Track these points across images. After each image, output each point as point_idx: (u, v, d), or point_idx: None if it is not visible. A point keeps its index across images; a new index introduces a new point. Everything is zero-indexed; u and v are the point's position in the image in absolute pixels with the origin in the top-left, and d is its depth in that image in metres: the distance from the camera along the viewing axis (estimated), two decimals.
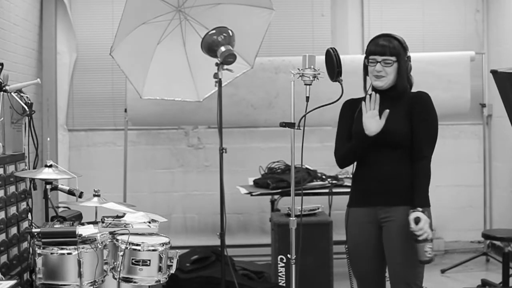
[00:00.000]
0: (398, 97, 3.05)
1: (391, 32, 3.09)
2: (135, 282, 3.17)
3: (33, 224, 3.72)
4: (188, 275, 4.61)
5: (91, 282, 3.03)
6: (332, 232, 4.49)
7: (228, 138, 5.08)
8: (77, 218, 3.92)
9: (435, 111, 3.06)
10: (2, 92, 3.50)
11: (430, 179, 2.99)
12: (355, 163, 3.16)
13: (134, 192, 5.98)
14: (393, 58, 2.99)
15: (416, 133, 3.00)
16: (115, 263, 3.15)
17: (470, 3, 6.37)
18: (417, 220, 2.86)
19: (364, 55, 3.12)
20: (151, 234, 3.34)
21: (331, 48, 3.05)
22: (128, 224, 3.36)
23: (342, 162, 3.15)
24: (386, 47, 3.00)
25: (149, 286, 3.28)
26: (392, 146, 3.00)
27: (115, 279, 3.17)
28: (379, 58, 3.01)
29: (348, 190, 5.10)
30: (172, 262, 3.24)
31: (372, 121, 2.95)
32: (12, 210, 3.52)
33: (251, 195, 5.11)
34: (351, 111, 3.11)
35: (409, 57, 3.06)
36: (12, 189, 3.53)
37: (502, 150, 6.19)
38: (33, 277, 3.07)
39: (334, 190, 5.16)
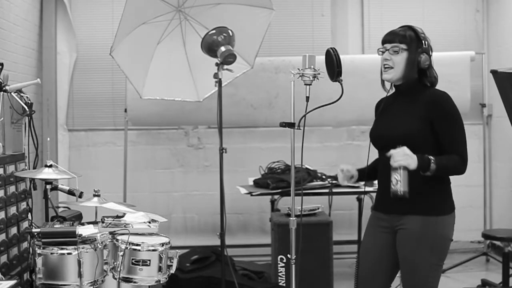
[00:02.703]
0: (412, 94, 2.93)
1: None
2: (135, 282, 3.17)
3: (33, 224, 3.72)
4: (188, 275, 4.60)
5: (91, 282, 3.03)
6: (332, 232, 4.49)
7: (228, 138, 5.08)
8: (77, 218, 3.92)
9: (457, 110, 2.89)
10: (2, 92, 3.50)
11: (455, 170, 2.82)
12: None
13: (134, 192, 5.98)
14: (403, 46, 2.89)
15: (442, 135, 2.85)
16: (115, 263, 3.15)
17: (470, 3, 6.37)
18: (397, 148, 2.74)
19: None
20: (151, 234, 3.34)
21: (331, 48, 3.04)
22: (128, 224, 3.36)
23: None
24: (396, 35, 2.92)
25: (149, 286, 3.28)
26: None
27: (115, 279, 3.17)
28: (388, 45, 2.93)
29: (348, 190, 5.18)
30: (172, 262, 3.24)
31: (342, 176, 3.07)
32: (12, 210, 3.52)
33: (251, 195, 5.11)
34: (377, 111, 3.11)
35: (425, 49, 2.91)
36: (12, 189, 3.53)
37: (502, 150, 6.19)
38: (33, 277, 3.07)
39: (334, 190, 5.16)
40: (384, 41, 2.97)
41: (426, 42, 2.92)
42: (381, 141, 2.98)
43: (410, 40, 2.90)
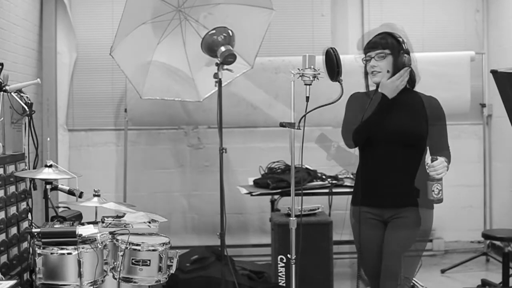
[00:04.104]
0: (399, 95, 3.06)
1: (388, 30, 3.16)
2: (135, 282, 3.17)
3: (33, 224, 3.72)
4: (188, 275, 4.60)
5: (91, 282, 3.03)
6: (332, 232, 4.49)
7: (228, 138, 5.07)
8: (77, 218, 3.92)
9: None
10: (2, 92, 3.50)
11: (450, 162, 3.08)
12: (359, 160, 3.17)
13: (134, 192, 5.98)
14: (387, 51, 3.06)
15: (437, 136, 3.11)
16: (115, 263, 3.15)
17: (470, 3, 6.37)
18: (433, 159, 2.93)
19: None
20: (151, 234, 3.34)
21: (331, 48, 3.06)
22: (128, 224, 3.37)
23: (357, 136, 3.11)
24: (378, 42, 3.09)
25: (149, 286, 3.29)
26: (403, 146, 3.03)
27: (115, 279, 3.17)
28: (373, 53, 3.09)
29: (348, 190, 5.17)
30: (172, 262, 3.25)
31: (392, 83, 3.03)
32: (12, 210, 3.52)
33: (251, 195, 5.11)
34: (358, 104, 3.14)
35: (406, 50, 3.08)
36: (12, 189, 3.53)
37: (502, 150, 6.19)
38: (33, 277, 3.07)
39: (334, 190, 5.17)
40: (367, 50, 3.12)
41: (405, 45, 3.10)
42: (390, 137, 3.04)
43: (392, 44, 3.08)
